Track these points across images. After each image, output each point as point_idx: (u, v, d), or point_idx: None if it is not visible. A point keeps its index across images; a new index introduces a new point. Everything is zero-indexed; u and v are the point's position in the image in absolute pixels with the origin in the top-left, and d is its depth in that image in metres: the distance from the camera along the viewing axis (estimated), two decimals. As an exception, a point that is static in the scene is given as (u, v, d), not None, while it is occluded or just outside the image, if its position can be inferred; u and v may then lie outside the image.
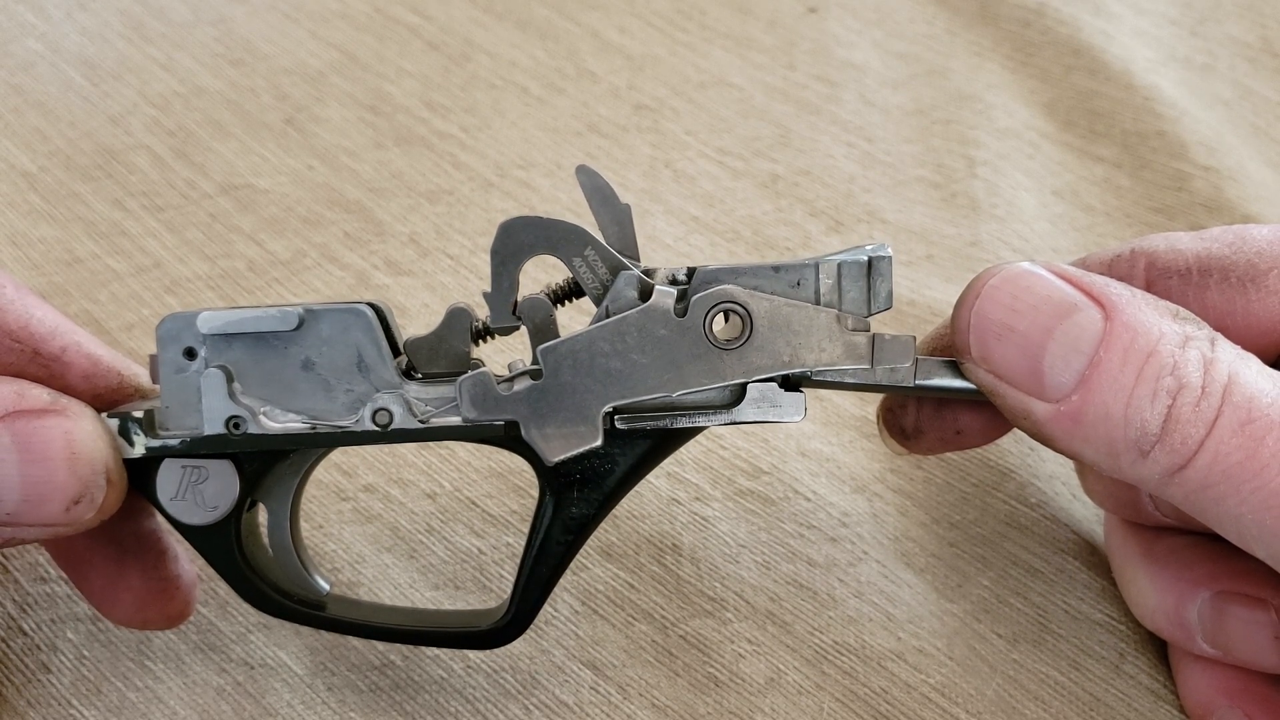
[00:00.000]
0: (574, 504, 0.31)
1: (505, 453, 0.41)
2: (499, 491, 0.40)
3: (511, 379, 0.31)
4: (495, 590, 0.38)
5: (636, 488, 0.38)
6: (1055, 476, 0.41)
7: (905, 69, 0.58)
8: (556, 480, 0.31)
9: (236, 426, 0.31)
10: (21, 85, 0.55)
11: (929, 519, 0.40)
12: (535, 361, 0.30)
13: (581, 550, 0.38)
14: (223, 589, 0.37)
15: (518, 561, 0.38)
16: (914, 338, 0.31)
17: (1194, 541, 0.34)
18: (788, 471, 0.40)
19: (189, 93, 0.55)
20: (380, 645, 0.36)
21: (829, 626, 0.37)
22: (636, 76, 0.57)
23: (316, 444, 0.31)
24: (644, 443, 0.31)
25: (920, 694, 0.35)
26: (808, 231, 0.50)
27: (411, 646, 0.36)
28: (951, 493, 0.40)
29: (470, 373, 0.31)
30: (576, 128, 0.54)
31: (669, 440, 0.31)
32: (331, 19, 0.59)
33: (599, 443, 0.30)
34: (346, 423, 0.31)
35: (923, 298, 0.46)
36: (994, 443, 0.41)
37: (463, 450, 0.41)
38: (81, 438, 0.30)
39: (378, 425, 0.31)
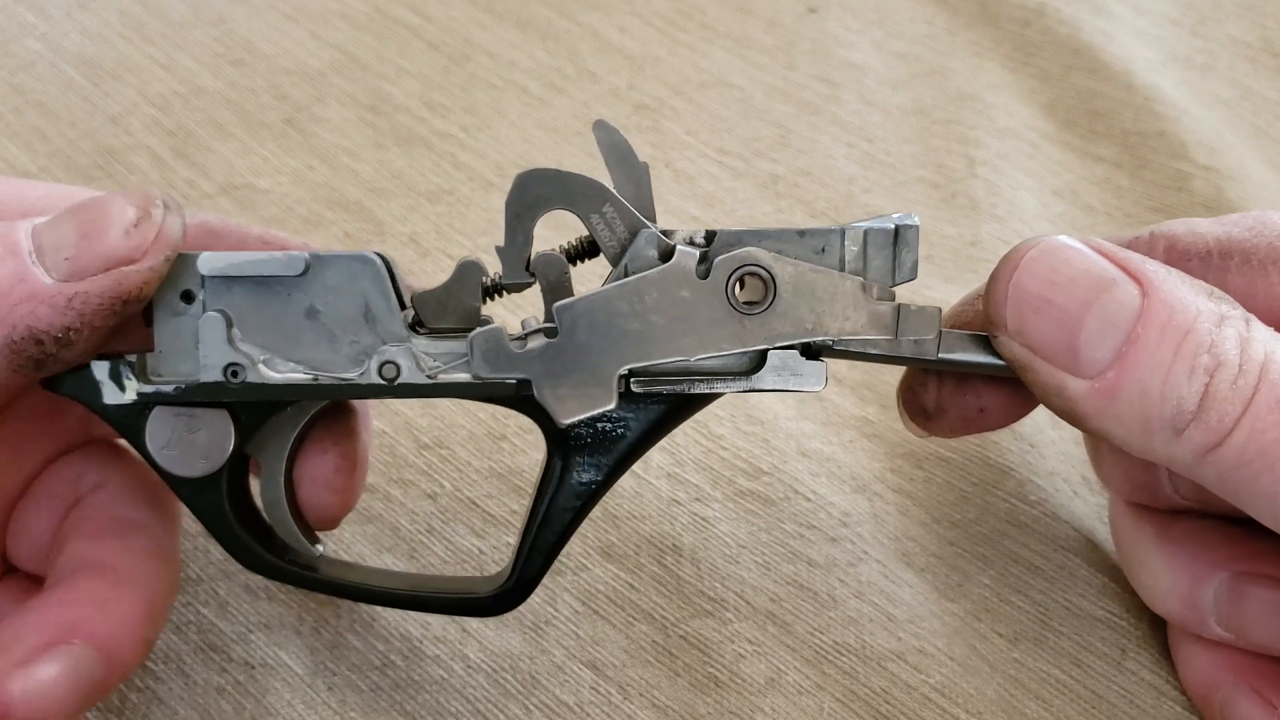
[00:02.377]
0: (583, 469, 0.31)
1: (506, 453, 0.41)
2: (499, 492, 0.40)
3: (525, 336, 0.30)
4: (495, 590, 0.38)
5: (636, 487, 0.38)
6: (1055, 473, 0.41)
7: (905, 69, 0.58)
8: (566, 444, 0.30)
9: (235, 374, 0.30)
10: (21, 85, 0.55)
11: (929, 518, 0.40)
12: (549, 319, 0.29)
13: (581, 550, 0.38)
14: (222, 589, 0.37)
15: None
16: (939, 310, 0.30)
17: (1211, 523, 0.34)
18: (788, 471, 0.40)
19: (189, 93, 0.55)
20: (380, 645, 0.36)
21: (829, 627, 0.37)
22: (636, 76, 0.57)
23: (319, 395, 0.30)
24: (658, 407, 0.30)
25: (921, 694, 0.35)
26: (808, 231, 0.50)
27: (412, 646, 0.36)
28: (951, 492, 0.40)
29: (483, 328, 0.29)
30: (576, 128, 0.54)
31: (685, 405, 0.31)
32: (331, 19, 0.59)
33: (613, 405, 0.29)
34: (351, 375, 0.30)
35: (922, 298, 0.46)
36: (993, 440, 0.41)
37: (463, 450, 0.41)
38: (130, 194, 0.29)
39: (384, 379, 0.30)
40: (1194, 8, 0.61)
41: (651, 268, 0.29)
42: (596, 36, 0.59)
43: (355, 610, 0.37)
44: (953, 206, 0.51)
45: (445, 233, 0.49)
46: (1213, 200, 0.51)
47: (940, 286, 0.47)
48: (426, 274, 0.47)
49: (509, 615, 0.37)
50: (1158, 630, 0.36)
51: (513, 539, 0.39)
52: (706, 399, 0.31)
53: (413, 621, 0.37)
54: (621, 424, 0.30)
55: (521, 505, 0.39)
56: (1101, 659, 0.36)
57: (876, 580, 0.38)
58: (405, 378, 0.30)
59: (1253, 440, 0.27)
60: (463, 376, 0.30)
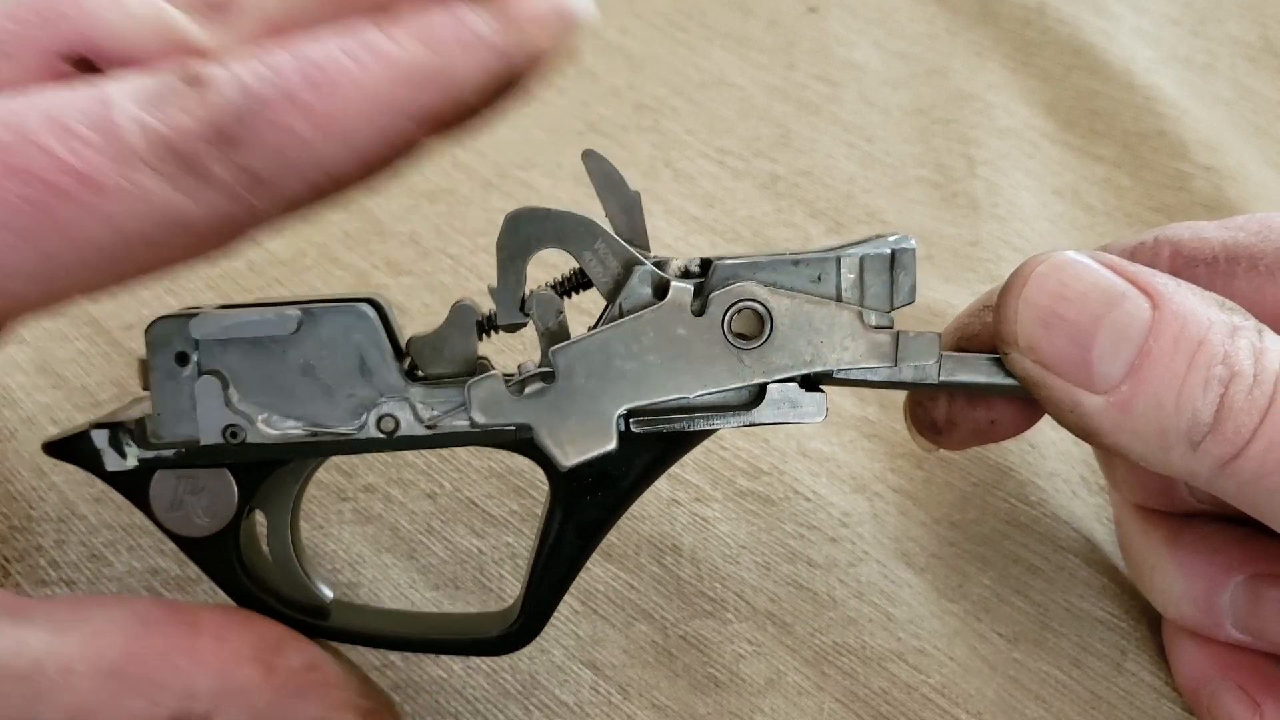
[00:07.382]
0: (587, 508, 0.30)
1: (506, 452, 0.41)
2: (499, 491, 0.40)
3: (522, 381, 0.29)
4: (495, 590, 0.38)
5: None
6: (1055, 474, 0.41)
7: (905, 69, 0.58)
8: (568, 484, 0.30)
9: (234, 435, 0.29)
10: (21, 85, 0.55)
11: (929, 519, 0.40)
12: (545, 363, 0.29)
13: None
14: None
15: (518, 561, 0.38)
16: (938, 335, 0.30)
17: (1225, 526, 0.34)
18: (788, 471, 0.40)
19: (189, 93, 0.54)
20: (380, 645, 0.36)
21: (829, 627, 0.37)
22: (636, 76, 0.57)
23: (318, 452, 0.30)
24: (659, 445, 0.30)
25: (921, 694, 0.35)
26: (808, 233, 0.50)
27: (411, 646, 0.36)
28: (951, 492, 0.40)
29: (479, 376, 0.29)
30: (576, 127, 0.54)
31: (684, 442, 0.31)
32: (331, 19, 0.59)
33: (614, 445, 0.29)
34: (350, 429, 0.30)
35: (922, 298, 0.46)
36: (994, 441, 0.41)
37: (463, 450, 0.41)
38: None
39: (383, 432, 0.30)
40: (1194, 8, 0.61)
41: (646, 305, 0.29)
42: (596, 36, 0.59)
43: (355, 610, 0.37)
44: (953, 206, 0.51)
45: (445, 232, 0.49)
46: (1213, 200, 0.51)
47: (940, 286, 0.47)
48: (426, 274, 0.47)
49: (509, 615, 0.37)
50: (1157, 632, 0.36)
51: (512, 539, 0.39)
52: (706, 434, 0.31)
53: (412, 622, 0.37)
54: (623, 463, 0.30)
55: (521, 505, 0.39)
56: (1101, 660, 0.36)
57: (876, 580, 0.38)
58: (404, 430, 0.30)
59: (1271, 451, 0.27)
60: (462, 424, 0.30)
